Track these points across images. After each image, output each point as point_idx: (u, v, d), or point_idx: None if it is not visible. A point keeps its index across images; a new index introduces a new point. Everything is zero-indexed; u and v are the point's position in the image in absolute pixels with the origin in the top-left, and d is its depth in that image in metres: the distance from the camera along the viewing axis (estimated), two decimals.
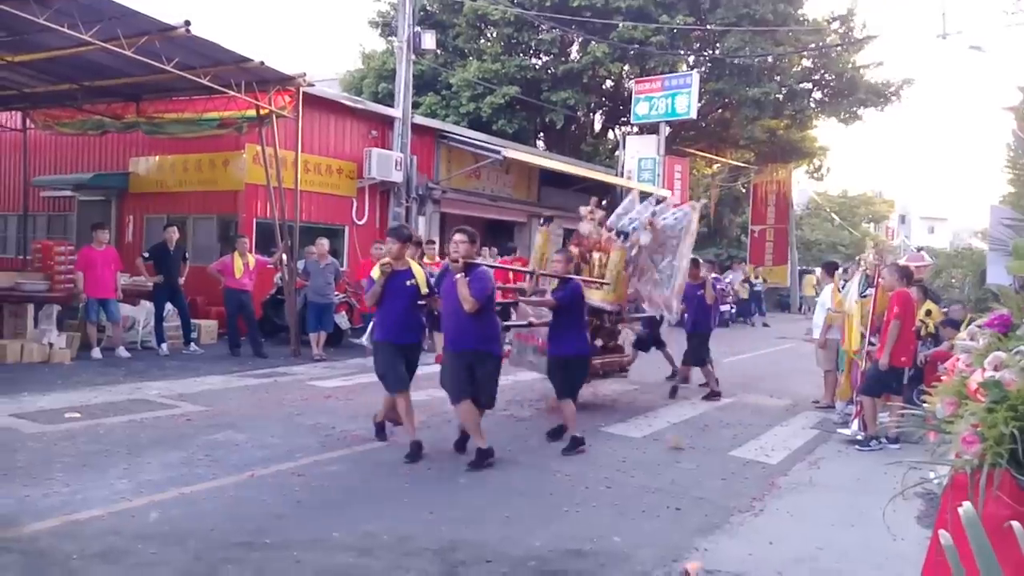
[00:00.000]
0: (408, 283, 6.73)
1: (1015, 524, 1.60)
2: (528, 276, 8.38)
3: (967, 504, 1.59)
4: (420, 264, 7.28)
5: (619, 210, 10.31)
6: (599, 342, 9.52)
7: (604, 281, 9.04)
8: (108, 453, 6.37)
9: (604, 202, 11.33)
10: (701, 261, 11.06)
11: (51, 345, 10.74)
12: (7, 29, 9.90)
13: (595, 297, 8.90)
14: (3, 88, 13.30)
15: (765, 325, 25.08)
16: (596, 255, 9.44)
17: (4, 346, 10.47)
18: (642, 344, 11.11)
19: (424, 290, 6.79)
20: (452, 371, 6.59)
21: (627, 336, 10.45)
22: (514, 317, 8.67)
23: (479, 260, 6.88)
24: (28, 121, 15.87)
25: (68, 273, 11.76)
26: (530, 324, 8.26)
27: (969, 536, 1.51)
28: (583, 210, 9.90)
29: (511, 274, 12.45)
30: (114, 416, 7.69)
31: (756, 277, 27.86)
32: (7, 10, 8.58)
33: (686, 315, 10.51)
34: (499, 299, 7.76)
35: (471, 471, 6.37)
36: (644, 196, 11.12)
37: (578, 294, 7.36)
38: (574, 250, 9.29)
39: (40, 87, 13.11)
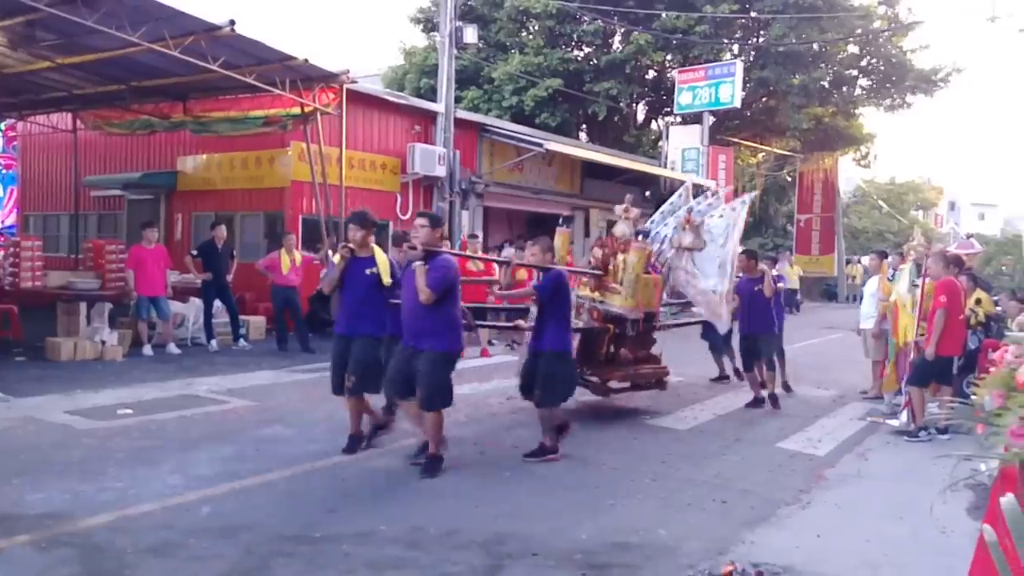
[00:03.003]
0: (368, 271, 6.33)
1: None
2: (503, 268, 7.38)
3: (1009, 495, 1.57)
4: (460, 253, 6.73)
5: (665, 206, 9.51)
6: (625, 352, 8.62)
7: (594, 271, 8.42)
8: (160, 448, 6.50)
9: (648, 193, 10.51)
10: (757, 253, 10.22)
11: (103, 342, 10.93)
12: (57, 32, 10.11)
13: (614, 303, 8.22)
14: (54, 90, 13.60)
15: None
16: (621, 257, 8.41)
17: (58, 344, 10.68)
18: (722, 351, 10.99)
19: (387, 280, 6.33)
20: (395, 367, 6.13)
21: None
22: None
23: (443, 248, 6.26)
24: (78, 122, 16.22)
25: (119, 271, 12.02)
26: (516, 327, 7.69)
27: (1010, 527, 1.49)
28: (618, 209, 8.97)
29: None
30: (165, 412, 7.83)
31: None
32: (58, 14, 8.77)
33: (739, 315, 9.52)
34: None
35: (426, 476, 5.93)
36: (698, 190, 10.17)
37: (560, 283, 6.62)
38: (597, 252, 8.67)
39: (89, 88, 13.36)
